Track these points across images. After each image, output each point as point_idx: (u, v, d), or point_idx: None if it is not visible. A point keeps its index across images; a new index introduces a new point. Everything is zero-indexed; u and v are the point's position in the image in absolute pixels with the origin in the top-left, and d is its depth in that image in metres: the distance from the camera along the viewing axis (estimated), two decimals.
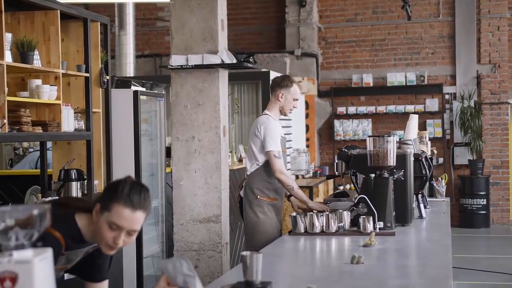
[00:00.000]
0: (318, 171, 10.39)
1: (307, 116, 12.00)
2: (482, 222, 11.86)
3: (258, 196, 5.01)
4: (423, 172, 4.84)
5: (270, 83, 5.27)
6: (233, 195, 6.53)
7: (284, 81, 5.12)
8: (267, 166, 4.98)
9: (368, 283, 2.88)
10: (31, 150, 8.09)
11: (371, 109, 12.42)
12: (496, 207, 12.18)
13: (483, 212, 11.87)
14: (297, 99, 5.14)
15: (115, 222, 2.50)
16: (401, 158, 4.39)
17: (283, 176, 4.91)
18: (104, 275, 2.85)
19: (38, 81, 4.87)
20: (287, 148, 5.68)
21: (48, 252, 1.73)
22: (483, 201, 11.83)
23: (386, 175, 4.25)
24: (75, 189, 5.24)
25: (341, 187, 10.02)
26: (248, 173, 5.13)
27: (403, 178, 4.37)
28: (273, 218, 5.03)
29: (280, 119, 8.64)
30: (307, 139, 11.95)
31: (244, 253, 2.63)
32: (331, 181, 10.53)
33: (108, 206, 2.51)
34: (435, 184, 6.15)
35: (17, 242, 1.71)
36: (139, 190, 2.56)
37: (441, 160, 12.16)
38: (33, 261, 1.68)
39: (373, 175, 4.25)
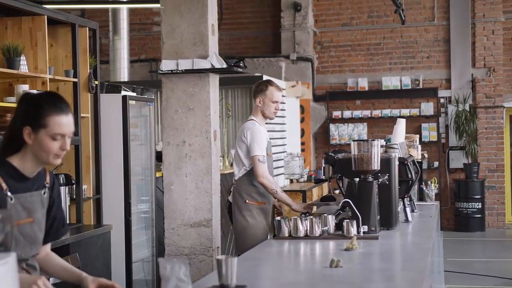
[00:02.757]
0: (313, 175, 10.40)
1: (302, 120, 12.02)
2: (477, 225, 11.86)
3: (247, 201, 5.08)
4: (409, 176, 4.84)
5: None
6: (224, 199, 6.53)
7: (259, 86, 5.22)
8: None
9: (344, 286, 2.89)
10: None
11: (367, 113, 12.43)
12: (491, 210, 12.18)
13: (478, 215, 11.87)
14: (276, 101, 5.18)
15: (57, 133, 2.59)
16: (386, 162, 4.40)
17: (265, 180, 4.97)
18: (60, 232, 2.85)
19: (25, 86, 4.89)
20: (273, 153, 5.72)
21: (11, 257, 1.75)
22: (478, 205, 11.83)
23: (370, 179, 4.25)
24: (64, 194, 5.26)
25: (337, 191, 10.01)
26: (236, 178, 5.20)
27: (387, 182, 4.38)
28: (261, 222, 5.08)
29: (273, 123, 8.65)
30: (303, 143, 11.97)
31: (219, 257, 2.66)
32: (325, 185, 10.53)
33: (42, 123, 2.58)
34: (424, 188, 6.15)
35: None
36: (58, 96, 2.66)
37: (436, 164, 12.17)
38: None
39: (357, 179, 4.25)
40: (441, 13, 12.39)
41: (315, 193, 9.51)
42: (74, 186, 5.46)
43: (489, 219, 12.14)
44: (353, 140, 4.34)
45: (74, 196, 5.48)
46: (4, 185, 2.56)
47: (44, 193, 2.73)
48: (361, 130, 12.45)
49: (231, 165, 8.37)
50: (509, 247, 11.08)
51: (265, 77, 8.84)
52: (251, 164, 5.06)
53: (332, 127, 12.53)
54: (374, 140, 4.28)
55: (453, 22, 12.28)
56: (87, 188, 5.69)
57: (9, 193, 2.57)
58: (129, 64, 11.03)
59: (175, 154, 5.49)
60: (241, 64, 5.67)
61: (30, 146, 2.61)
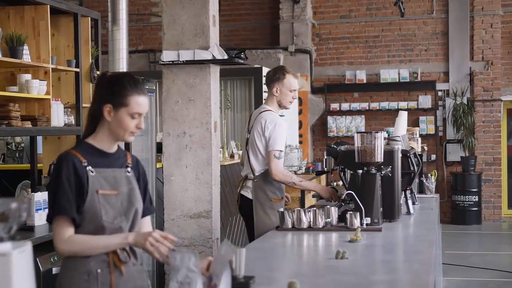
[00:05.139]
0: (311, 167, 10.40)
1: (300, 112, 12.02)
2: (474, 218, 11.90)
3: (272, 199, 4.93)
4: (411, 168, 4.85)
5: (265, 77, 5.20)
6: (224, 191, 6.53)
7: (276, 74, 4.98)
8: None
9: (350, 278, 2.90)
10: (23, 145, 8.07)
11: (365, 105, 12.45)
12: (488, 203, 12.22)
13: (475, 208, 11.91)
14: (294, 90, 4.96)
15: (137, 112, 2.75)
16: (389, 154, 4.40)
17: (280, 176, 4.80)
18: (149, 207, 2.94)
19: (28, 76, 4.88)
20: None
21: (28, 245, 1.75)
22: (475, 198, 11.87)
23: (373, 171, 4.25)
24: None
25: (334, 183, 10.03)
26: (256, 174, 4.97)
27: (390, 174, 4.38)
28: None
29: None
30: (300, 135, 11.97)
31: None
32: (323, 177, 10.55)
33: (123, 102, 2.73)
34: (424, 181, 6.17)
35: None
36: (136, 78, 2.81)
37: (433, 156, 12.20)
38: (12, 254, 1.69)
39: (360, 171, 4.25)
40: (440, 6, 12.40)
41: None
42: None
43: (486, 212, 12.18)
44: (357, 132, 4.32)
45: None
46: (83, 159, 2.72)
47: (128, 172, 2.85)
48: (359, 123, 12.47)
49: (231, 156, 8.36)
50: (505, 240, 11.15)
51: (265, 69, 8.84)
52: None
53: (330, 119, 12.54)
54: (377, 132, 4.28)
55: (451, 15, 12.29)
56: None
57: (89, 167, 2.72)
58: (128, 55, 10.99)
59: (175, 145, 5.48)
60: (242, 56, 5.66)
61: (107, 123, 2.76)
